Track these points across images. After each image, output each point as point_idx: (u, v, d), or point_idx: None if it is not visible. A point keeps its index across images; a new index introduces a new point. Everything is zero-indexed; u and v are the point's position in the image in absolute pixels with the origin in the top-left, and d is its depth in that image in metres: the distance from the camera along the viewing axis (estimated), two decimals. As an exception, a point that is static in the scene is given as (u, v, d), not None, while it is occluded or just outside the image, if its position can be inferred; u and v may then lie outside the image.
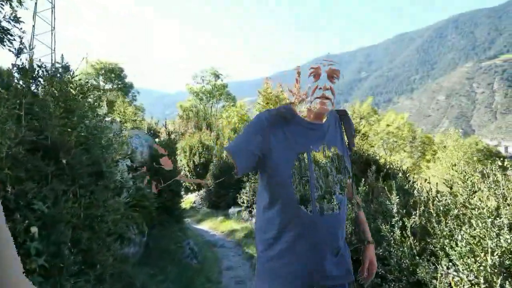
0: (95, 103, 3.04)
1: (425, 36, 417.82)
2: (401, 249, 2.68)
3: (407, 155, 24.58)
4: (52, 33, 29.97)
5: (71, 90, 2.80)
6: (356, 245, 1.73)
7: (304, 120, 1.48)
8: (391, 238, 2.84)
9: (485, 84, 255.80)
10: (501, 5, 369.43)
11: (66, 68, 3.74)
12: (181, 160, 11.87)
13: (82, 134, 2.68)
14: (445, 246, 2.09)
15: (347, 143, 1.60)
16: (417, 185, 3.49)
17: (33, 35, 28.41)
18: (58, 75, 2.87)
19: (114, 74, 34.35)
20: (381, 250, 2.88)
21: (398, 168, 3.89)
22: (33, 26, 28.46)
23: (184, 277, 4.46)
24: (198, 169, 11.92)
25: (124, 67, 34.89)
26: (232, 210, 9.26)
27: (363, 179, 3.62)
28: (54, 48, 29.62)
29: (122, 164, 4.60)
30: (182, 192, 11.35)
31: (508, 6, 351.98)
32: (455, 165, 2.95)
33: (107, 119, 3.51)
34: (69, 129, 2.52)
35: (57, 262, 2.19)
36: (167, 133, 6.06)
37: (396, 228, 2.81)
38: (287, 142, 1.40)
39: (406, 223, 2.79)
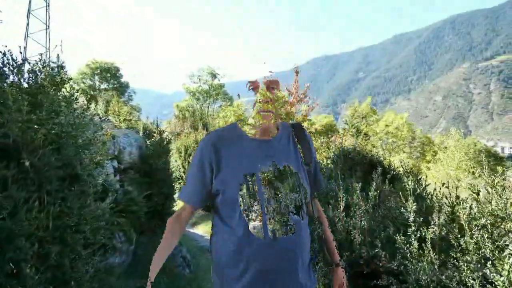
0: (72, 97, 2.68)
1: (422, 37, 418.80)
2: (420, 264, 2.33)
3: (406, 156, 24.27)
4: (46, 32, 29.58)
5: (42, 81, 2.45)
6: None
7: (251, 137, 1.39)
8: (407, 250, 2.50)
9: (481, 85, 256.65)
10: (498, 6, 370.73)
11: (61, 67, 3.49)
12: (176, 161, 11.49)
13: (53, 131, 2.32)
14: (487, 270, 1.75)
15: (303, 158, 1.48)
16: (435, 190, 3.14)
17: (27, 34, 28.01)
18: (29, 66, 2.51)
19: (110, 73, 33.95)
20: (395, 264, 2.53)
21: (408, 170, 3.55)
22: (27, 24, 28.05)
23: (175, 288, 4.11)
24: (193, 170, 11.49)
25: (123, 67, 34.53)
26: (229, 213, 8.87)
27: (374, 183, 3.26)
28: (49, 47, 29.21)
29: (108, 166, 4.24)
30: (176, 195, 10.98)
31: (505, 7, 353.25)
32: (474, 167, 2.62)
33: (87, 114, 3.16)
34: (35, 126, 2.16)
35: (14, 284, 1.83)
36: (158, 132, 5.70)
37: (413, 239, 2.47)
38: (233, 164, 1.32)
39: (425, 234, 2.45)
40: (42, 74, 2.47)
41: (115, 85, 33.61)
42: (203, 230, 8.36)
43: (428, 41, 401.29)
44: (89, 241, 2.74)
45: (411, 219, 2.50)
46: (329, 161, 6.76)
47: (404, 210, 2.58)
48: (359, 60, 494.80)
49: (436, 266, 2.30)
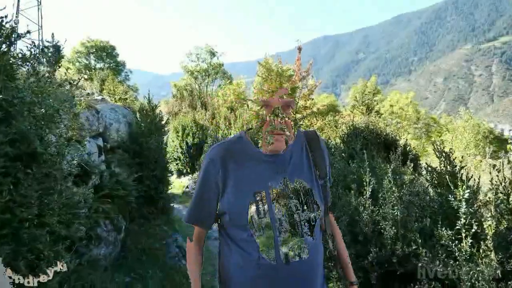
0: (32, 55, 2.11)
1: (423, 17, 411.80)
2: (478, 268, 1.82)
3: (411, 137, 23.73)
4: (38, 8, 28.66)
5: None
6: None
7: (261, 152, 1.28)
8: (455, 248, 1.99)
9: (483, 66, 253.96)
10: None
11: (57, 47, 3.07)
12: (173, 141, 10.98)
13: (1, 96, 1.76)
14: None
15: (317, 171, 1.33)
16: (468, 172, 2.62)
17: (18, 10, 27.07)
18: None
19: (105, 52, 33.04)
20: (440, 266, 2.03)
21: (440, 151, 3.03)
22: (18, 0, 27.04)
23: (169, 283, 3.65)
24: (191, 150, 11.04)
25: (120, 49, 33.80)
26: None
27: (411, 165, 2.74)
28: (41, 24, 28.34)
29: (91, 144, 3.70)
30: (174, 175, 10.50)
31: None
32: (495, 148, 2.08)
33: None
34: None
35: None
36: (151, 107, 5.11)
37: (463, 234, 1.96)
38: (242, 181, 1.21)
39: (479, 228, 1.94)
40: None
41: (111, 64, 32.79)
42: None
43: (429, 22, 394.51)
44: (61, 235, 2.23)
45: (463, 210, 1.98)
46: (338, 140, 6.26)
47: (452, 199, 2.06)
48: (359, 41, 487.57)
49: (499, 271, 1.79)
